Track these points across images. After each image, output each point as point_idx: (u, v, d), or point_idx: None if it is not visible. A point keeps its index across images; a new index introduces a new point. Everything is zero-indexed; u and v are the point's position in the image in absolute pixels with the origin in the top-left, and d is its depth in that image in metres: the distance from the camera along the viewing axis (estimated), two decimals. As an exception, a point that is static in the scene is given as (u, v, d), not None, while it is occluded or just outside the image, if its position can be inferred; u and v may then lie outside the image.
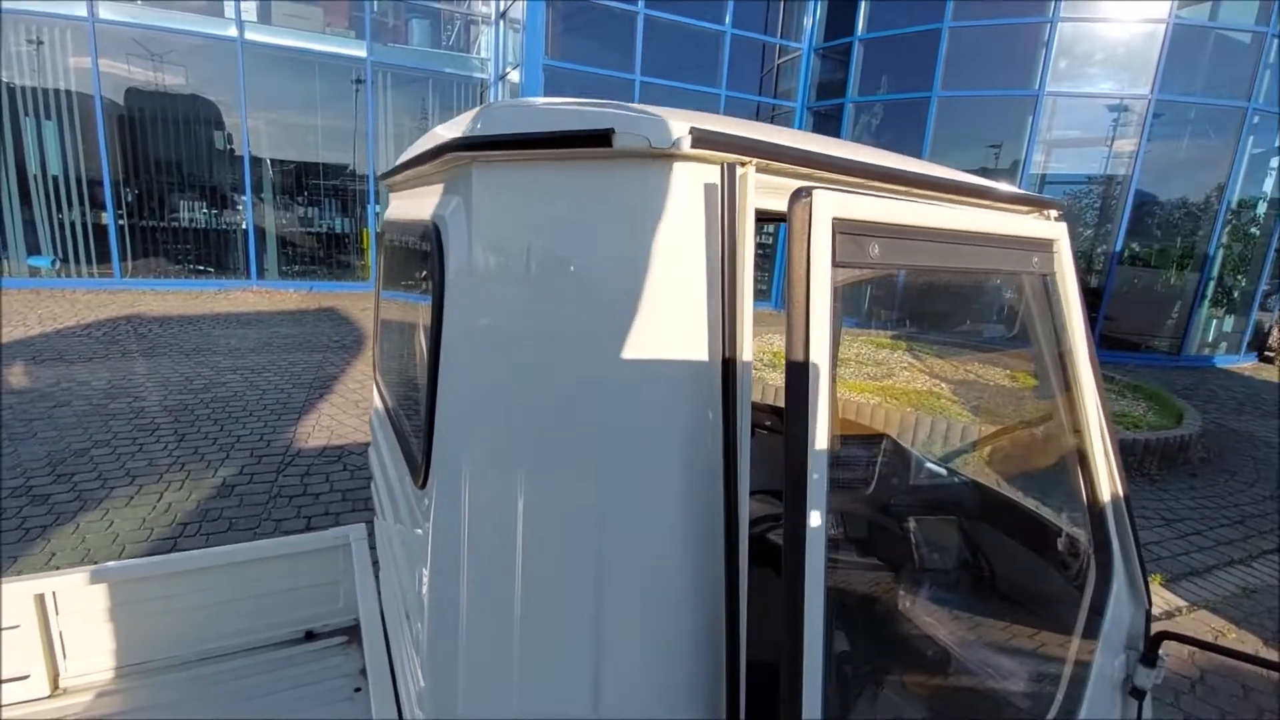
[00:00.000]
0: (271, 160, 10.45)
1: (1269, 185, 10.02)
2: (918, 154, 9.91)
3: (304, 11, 10.02)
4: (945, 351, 7.21)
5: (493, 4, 10.81)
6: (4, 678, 1.49)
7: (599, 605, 0.67)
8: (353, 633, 1.70)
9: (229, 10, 9.46)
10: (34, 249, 9.22)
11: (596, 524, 0.66)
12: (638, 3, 10.25)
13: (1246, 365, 10.32)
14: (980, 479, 1.55)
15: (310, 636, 1.71)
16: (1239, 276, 10.09)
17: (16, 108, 8.82)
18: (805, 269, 0.62)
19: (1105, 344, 9.88)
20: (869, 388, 5.99)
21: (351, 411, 5.12)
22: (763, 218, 0.81)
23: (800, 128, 11.96)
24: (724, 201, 0.62)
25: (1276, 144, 9.78)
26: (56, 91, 8.97)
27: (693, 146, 0.60)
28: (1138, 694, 0.96)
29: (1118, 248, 9.71)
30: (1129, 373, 8.16)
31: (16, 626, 1.48)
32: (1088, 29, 9.29)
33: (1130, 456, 5.00)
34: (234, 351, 6.60)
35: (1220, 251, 9.74)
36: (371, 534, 1.82)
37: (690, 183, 0.64)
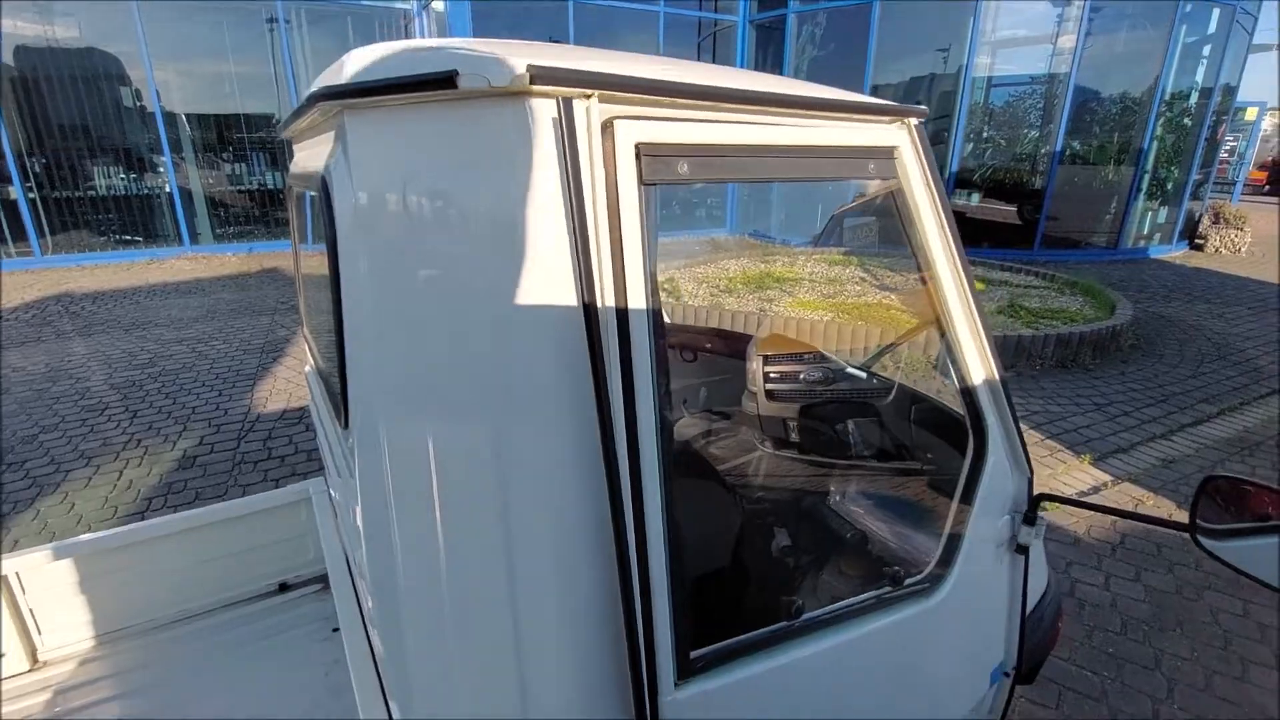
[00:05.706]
0: (188, 115, 9.79)
1: (1200, 75, 10.19)
2: (862, 62, 9.63)
3: (199, -54, 9.16)
4: (897, 264, 7.36)
5: (407, -74, 10.03)
6: None
7: (509, 552, 0.71)
8: (326, 580, 1.77)
9: (113, -51, 8.59)
10: (-60, 231, 8.60)
11: (495, 468, 0.69)
12: (563, -84, 9.65)
13: (1178, 254, 10.78)
14: (895, 377, 1.67)
15: (284, 588, 1.77)
16: (1172, 168, 10.38)
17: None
18: (614, 190, 0.68)
19: (1047, 243, 10.18)
20: (822, 305, 6.14)
21: (308, 373, 5.06)
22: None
23: (743, 42, 11.62)
24: (563, 136, 0.63)
25: (1209, 30, 9.90)
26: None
27: (533, 83, 0.60)
28: (1021, 550, 1.10)
29: (1058, 147, 9.86)
30: (1069, 269, 8.46)
31: None
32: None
33: (1066, 349, 5.27)
34: (176, 322, 6.38)
35: (1154, 144, 9.97)
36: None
37: (535, 120, 0.64)
